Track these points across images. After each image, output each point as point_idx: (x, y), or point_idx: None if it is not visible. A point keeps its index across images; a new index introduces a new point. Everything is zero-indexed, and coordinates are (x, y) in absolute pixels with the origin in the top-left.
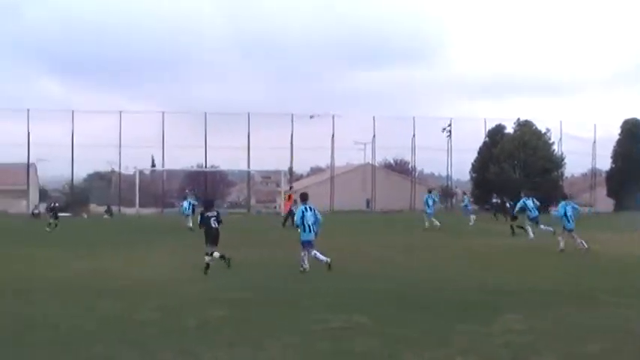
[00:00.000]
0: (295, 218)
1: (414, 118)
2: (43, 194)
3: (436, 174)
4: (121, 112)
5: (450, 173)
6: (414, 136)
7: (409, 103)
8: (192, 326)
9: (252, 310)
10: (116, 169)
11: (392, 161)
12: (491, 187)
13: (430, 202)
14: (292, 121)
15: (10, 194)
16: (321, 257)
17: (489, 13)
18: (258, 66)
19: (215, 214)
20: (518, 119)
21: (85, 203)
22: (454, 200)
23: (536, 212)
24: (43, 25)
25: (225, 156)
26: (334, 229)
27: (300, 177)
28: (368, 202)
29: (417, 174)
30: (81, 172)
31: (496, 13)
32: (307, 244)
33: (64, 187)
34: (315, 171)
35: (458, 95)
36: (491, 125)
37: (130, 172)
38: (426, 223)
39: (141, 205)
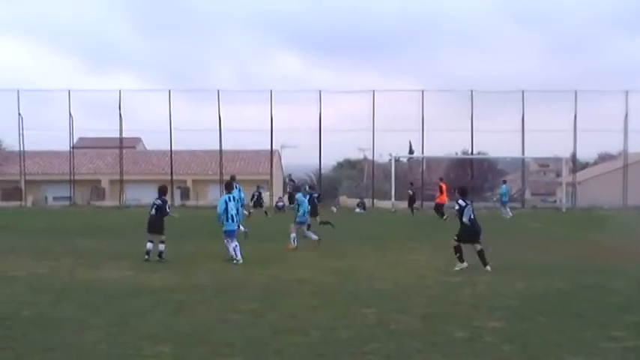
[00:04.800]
0: (218, 209)
1: None
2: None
3: None
4: (374, 91)
5: None
6: None
7: None
8: (462, 339)
9: (531, 321)
10: (369, 156)
11: None
12: None
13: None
14: (575, 99)
15: (253, 184)
16: (232, 252)
17: None
18: (533, 36)
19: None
20: None
21: (334, 195)
22: None
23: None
24: None
25: (495, 141)
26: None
27: (586, 165)
28: None
29: None
30: (329, 160)
31: None
32: (230, 234)
33: (310, 176)
34: (604, 158)
35: None
36: None
37: (385, 159)
38: None
39: (397, 198)
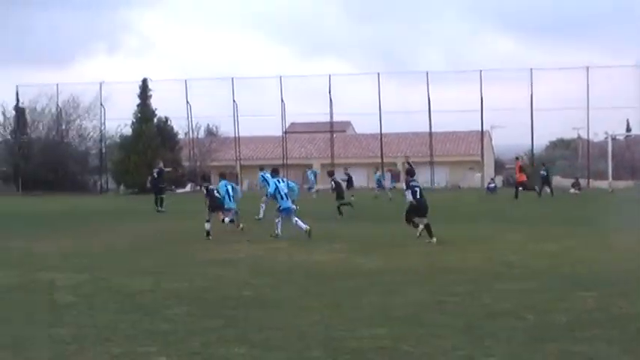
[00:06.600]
0: (269, 189)
1: None
2: (499, 165)
3: None
4: (587, 67)
5: None
6: None
7: None
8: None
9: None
10: (583, 135)
11: None
12: None
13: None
14: None
15: (463, 166)
16: (302, 225)
17: None
18: None
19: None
20: None
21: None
22: None
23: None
24: None
25: None
26: None
27: None
28: None
29: None
30: (541, 140)
31: None
32: (286, 211)
33: (522, 157)
34: None
35: None
36: None
37: (601, 138)
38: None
39: (614, 178)
